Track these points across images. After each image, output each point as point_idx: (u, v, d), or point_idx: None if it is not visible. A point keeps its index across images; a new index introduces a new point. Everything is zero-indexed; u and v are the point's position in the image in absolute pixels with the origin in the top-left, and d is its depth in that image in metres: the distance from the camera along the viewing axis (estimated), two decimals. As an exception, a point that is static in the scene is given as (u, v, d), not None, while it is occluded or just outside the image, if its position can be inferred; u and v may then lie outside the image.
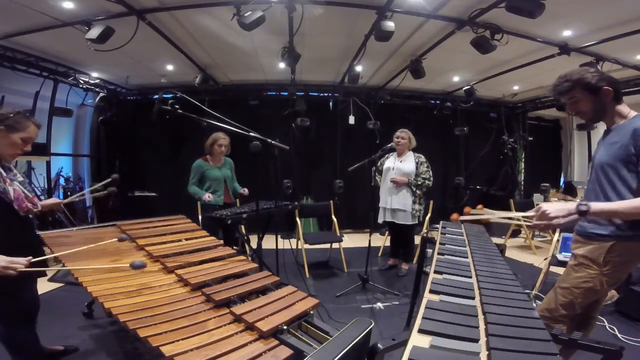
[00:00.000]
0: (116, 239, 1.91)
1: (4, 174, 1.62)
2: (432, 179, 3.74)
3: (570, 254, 3.12)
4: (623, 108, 1.54)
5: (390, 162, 3.85)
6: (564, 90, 1.55)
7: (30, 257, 1.41)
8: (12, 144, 1.63)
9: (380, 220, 3.91)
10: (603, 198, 1.48)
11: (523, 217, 1.63)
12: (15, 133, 1.62)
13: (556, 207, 1.37)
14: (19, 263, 1.36)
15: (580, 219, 1.47)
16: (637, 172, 1.40)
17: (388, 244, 4.37)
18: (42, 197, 5.08)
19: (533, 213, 1.43)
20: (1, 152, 1.65)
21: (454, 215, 2.10)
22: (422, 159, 3.78)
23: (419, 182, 3.68)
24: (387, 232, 4.64)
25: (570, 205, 1.35)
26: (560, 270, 3.45)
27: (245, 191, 3.54)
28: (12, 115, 1.61)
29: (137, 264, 1.58)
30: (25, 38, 3.78)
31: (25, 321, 1.69)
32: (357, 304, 3.15)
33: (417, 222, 3.79)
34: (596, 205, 1.34)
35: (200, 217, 3.80)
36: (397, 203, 3.72)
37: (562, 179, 7.74)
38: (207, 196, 3.25)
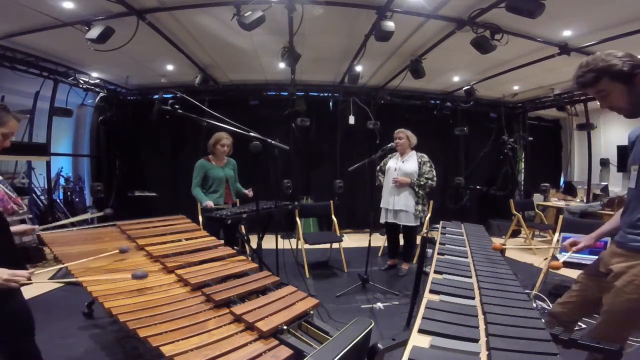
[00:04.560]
0: (118, 250, 1.81)
1: None
2: (435, 178, 3.72)
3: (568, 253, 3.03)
4: None
5: (393, 162, 3.85)
6: (589, 82, 1.29)
7: (33, 270, 1.35)
8: None
9: (382, 221, 3.90)
10: None
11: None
12: None
13: None
14: (22, 276, 1.29)
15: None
16: None
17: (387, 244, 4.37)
18: (42, 197, 5.08)
19: None
20: None
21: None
22: (425, 158, 3.77)
23: (422, 183, 3.66)
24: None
25: None
26: (559, 270, 3.46)
27: (250, 193, 3.54)
28: None
29: (139, 274, 1.53)
30: (25, 38, 3.78)
31: (25, 334, 1.62)
32: (357, 304, 3.15)
33: (419, 223, 3.78)
34: None
35: (200, 217, 3.80)
36: (399, 204, 3.71)
37: (562, 179, 7.73)
38: (209, 203, 3.26)
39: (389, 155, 3.93)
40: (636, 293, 1.31)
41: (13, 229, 1.68)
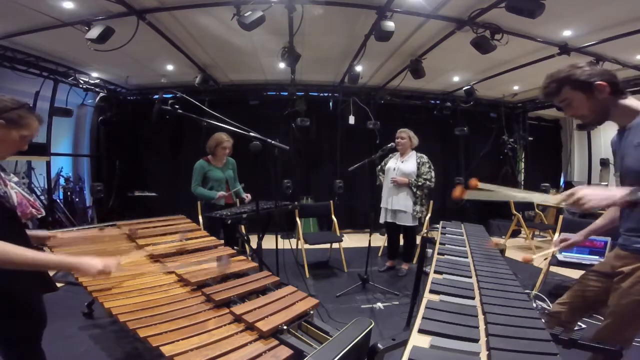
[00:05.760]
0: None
1: (3, 175, 1.43)
2: (433, 179, 3.72)
3: (569, 253, 3.02)
4: (631, 102, 1.34)
5: (393, 162, 3.85)
6: (552, 92, 1.39)
7: (122, 258, 1.44)
8: (9, 141, 1.38)
9: (381, 221, 3.91)
10: None
11: (548, 201, 1.44)
12: (15, 129, 1.36)
13: (597, 193, 1.15)
14: (113, 265, 1.37)
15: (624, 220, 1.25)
16: None
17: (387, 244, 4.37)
18: (42, 197, 5.08)
19: (562, 197, 1.22)
20: None
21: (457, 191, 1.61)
22: (425, 159, 3.77)
23: (420, 183, 3.67)
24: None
25: (614, 193, 1.14)
26: (559, 270, 3.47)
27: (248, 197, 3.54)
28: (15, 108, 1.37)
29: (224, 261, 1.60)
30: (25, 38, 3.78)
31: (36, 341, 1.56)
32: (357, 304, 3.15)
33: (417, 223, 3.78)
34: None
35: (200, 217, 3.80)
36: (397, 204, 3.72)
37: (562, 179, 7.74)
38: (221, 194, 3.26)
39: (390, 155, 3.93)
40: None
41: (33, 233, 1.66)
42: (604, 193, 1.16)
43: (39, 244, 1.76)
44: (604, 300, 1.49)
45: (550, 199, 1.53)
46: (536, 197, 1.56)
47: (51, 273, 1.57)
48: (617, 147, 1.44)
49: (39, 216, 1.62)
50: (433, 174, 3.73)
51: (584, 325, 2.35)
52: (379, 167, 4.06)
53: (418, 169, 3.71)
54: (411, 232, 3.85)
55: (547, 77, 1.41)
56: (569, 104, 1.39)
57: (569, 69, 1.35)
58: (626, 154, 1.34)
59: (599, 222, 1.67)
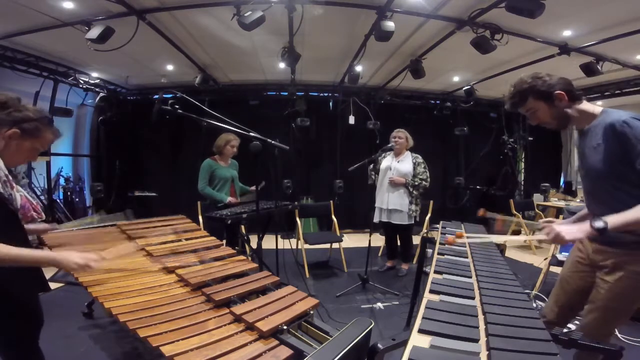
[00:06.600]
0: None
1: (11, 178, 1.41)
2: (429, 179, 3.75)
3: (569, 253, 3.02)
4: (586, 107, 1.43)
5: (388, 162, 3.85)
6: (517, 102, 1.48)
7: (103, 255, 1.44)
8: (21, 151, 1.35)
9: (376, 220, 3.89)
10: (607, 208, 1.34)
11: (536, 239, 1.66)
12: (29, 140, 1.35)
13: (570, 229, 1.27)
14: (94, 260, 1.36)
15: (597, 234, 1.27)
16: (636, 171, 1.25)
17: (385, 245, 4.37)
18: (42, 197, 5.08)
19: (544, 237, 1.34)
20: (5, 156, 1.33)
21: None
22: (420, 159, 3.78)
23: (416, 183, 3.68)
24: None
25: (585, 226, 1.23)
26: (559, 270, 3.47)
27: (253, 188, 3.55)
28: (35, 119, 1.34)
29: None
30: (25, 38, 3.78)
31: (35, 340, 1.55)
32: (357, 304, 3.15)
33: (413, 222, 3.79)
34: (613, 219, 1.20)
35: (200, 217, 3.80)
36: (393, 203, 3.72)
37: (562, 179, 7.74)
38: (231, 199, 3.29)
39: (383, 155, 3.92)
40: (630, 287, 1.37)
41: (32, 227, 1.67)
42: (576, 227, 1.28)
43: (38, 238, 1.78)
44: (586, 296, 1.51)
45: (533, 237, 1.79)
46: (521, 237, 1.74)
47: (50, 274, 1.57)
48: (579, 148, 1.53)
49: (39, 220, 1.63)
50: (428, 174, 3.76)
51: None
52: (371, 166, 4.04)
53: (414, 169, 3.72)
54: (407, 231, 3.86)
55: (511, 89, 1.49)
56: (533, 113, 1.48)
57: (530, 80, 1.44)
58: (586, 154, 1.43)
59: (584, 211, 1.69)
